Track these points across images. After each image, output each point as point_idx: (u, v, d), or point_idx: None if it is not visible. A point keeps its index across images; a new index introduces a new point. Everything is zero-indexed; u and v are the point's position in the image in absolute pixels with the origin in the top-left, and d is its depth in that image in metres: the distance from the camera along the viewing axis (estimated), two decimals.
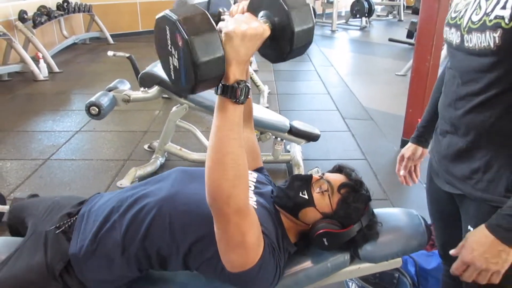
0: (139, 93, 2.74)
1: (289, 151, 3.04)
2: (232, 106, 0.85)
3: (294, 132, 2.76)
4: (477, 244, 0.96)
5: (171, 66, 0.79)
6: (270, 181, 1.34)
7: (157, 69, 2.70)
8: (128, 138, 3.62)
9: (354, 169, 1.21)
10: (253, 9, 0.88)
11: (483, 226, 0.96)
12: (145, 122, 3.95)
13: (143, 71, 2.70)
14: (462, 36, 0.99)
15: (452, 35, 1.03)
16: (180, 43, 0.73)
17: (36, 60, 5.38)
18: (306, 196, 1.13)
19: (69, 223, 1.17)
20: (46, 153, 3.30)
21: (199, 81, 0.77)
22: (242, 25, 0.81)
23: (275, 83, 5.26)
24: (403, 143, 3.36)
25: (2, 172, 3.01)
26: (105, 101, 2.52)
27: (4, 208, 2.35)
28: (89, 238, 1.09)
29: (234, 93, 0.83)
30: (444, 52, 4.63)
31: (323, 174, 1.19)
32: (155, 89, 2.74)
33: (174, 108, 2.89)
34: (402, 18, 10.94)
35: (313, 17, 0.87)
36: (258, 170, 1.37)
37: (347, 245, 1.13)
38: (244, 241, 0.94)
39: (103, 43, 7.62)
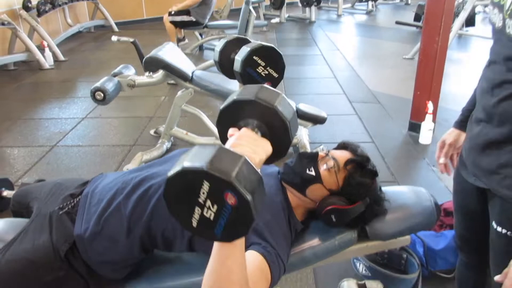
0: (144, 78, 2.72)
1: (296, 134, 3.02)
2: None
3: (301, 115, 2.74)
4: None
5: (197, 216, 0.68)
6: None
7: (162, 53, 2.69)
8: (134, 123, 3.62)
9: (360, 145, 1.19)
10: (231, 120, 0.82)
11: None
12: (150, 108, 3.94)
13: (148, 55, 2.68)
14: (504, 19, 0.90)
15: (495, 16, 0.94)
16: (231, 202, 0.65)
17: (41, 48, 5.38)
18: (313, 173, 1.12)
19: (73, 203, 1.17)
20: (53, 140, 3.31)
21: (245, 232, 0.69)
22: (260, 152, 0.76)
23: None
24: (411, 126, 3.33)
25: (10, 159, 3.03)
26: (110, 86, 2.51)
27: (12, 193, 2.36)
28: (94, 219, 1.09)
29: None
30: (452, 34, 4.56)
31: (328, 151, 1.18)
32: (160, 74, 2.72)
33: (179, 93, 2.88)
34: (409, 2, 10.78)
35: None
36: None
37: (355, 221, 1.12)
38: None
39: (107, 31, 7.59)
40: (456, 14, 5.03)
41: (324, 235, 1.15)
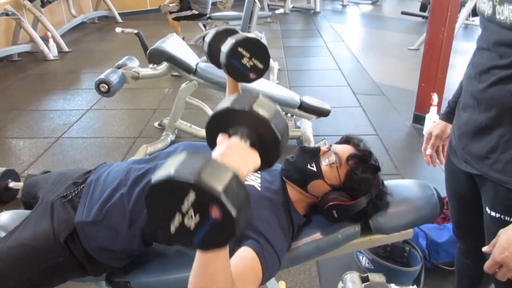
0: (148, 70, 2.73)
1: (299, 127, 3.02)
2: None
3: (305, 107, 2.73)
4: (509, 243, 0.90)
5: (176, 223, 0.65)
6: None
7: (166, 45, 2.68)
8: (138, 116, 3.63)
9: (362, 139, 1.18)
10: (221, 125, 0.79)
11: None
12: (155, 100, 3.95)
13: (152, 47, 2.67)
14: (494, 7, 0.92)
15: (484, 5, 0.96)
16: (215, 216, 0.62)
17: (45, 39, 5.38)
18: (314, 169, 1.11)
19: (76, 191, 1.18)
20: (58, 131, 3.33)
21: (223, 245, 0.67)
22: (249, 164, 0.74)
23: (285, 59, 5.19)
24: (415, 118, 3.32)
25: (16, 150, 3.06)
26: (114, 78, 2.51)
27: (18, 185, 2.39)
28: (96, 208, 1.09)
29: None
30: (458, 24, 4.51)
31: (330, 145, 1.17)
32: (164, 66, 2.72)
33: (183, 85, 2.88)
34: None
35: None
36: None
37: (358, 216, 1.12)
38: None
39: (111, 21, 7.57)
40: (463, 4, 4.97)
41: (327, 229, 1.15)
